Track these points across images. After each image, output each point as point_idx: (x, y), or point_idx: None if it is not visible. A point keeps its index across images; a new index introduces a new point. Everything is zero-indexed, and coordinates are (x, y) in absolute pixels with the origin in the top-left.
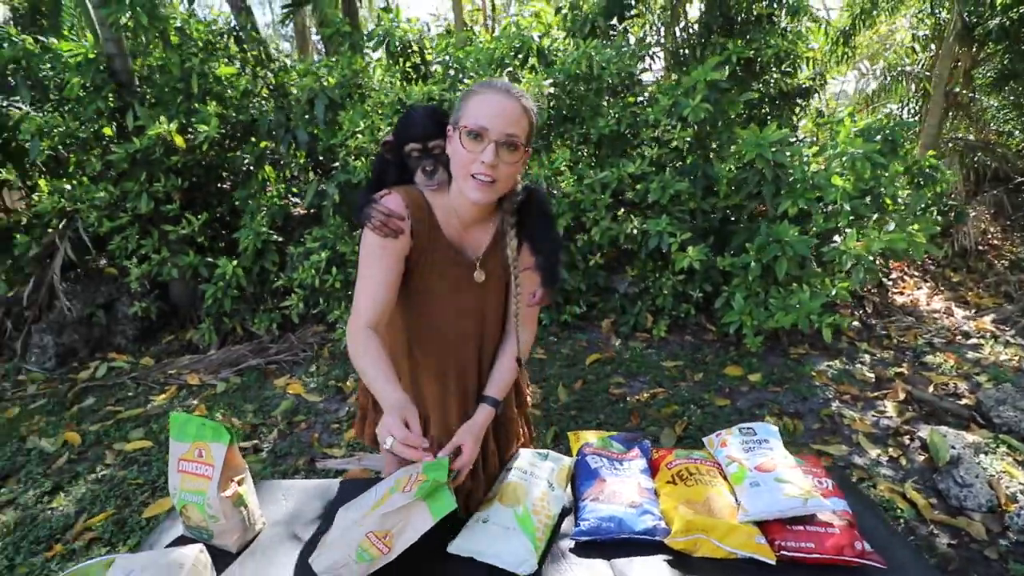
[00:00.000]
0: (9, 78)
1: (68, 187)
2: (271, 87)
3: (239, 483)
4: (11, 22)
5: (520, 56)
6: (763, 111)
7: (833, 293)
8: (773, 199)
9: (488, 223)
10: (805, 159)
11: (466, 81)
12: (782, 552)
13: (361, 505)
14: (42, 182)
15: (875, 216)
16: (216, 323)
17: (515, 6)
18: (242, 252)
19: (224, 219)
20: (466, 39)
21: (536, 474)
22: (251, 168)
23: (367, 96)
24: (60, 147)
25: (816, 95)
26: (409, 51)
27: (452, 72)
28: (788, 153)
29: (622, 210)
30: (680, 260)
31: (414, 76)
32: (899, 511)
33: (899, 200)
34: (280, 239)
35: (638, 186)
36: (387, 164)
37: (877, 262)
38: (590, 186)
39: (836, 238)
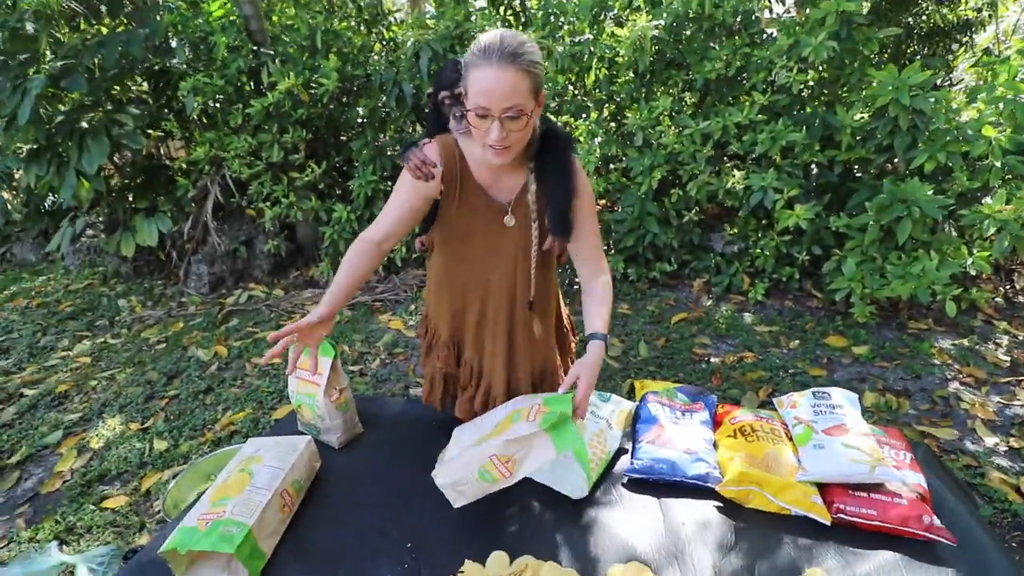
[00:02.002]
0: (171, 40)
1: (216, 138)
2: (384, 41)
3: (341, 391)
4: None
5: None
6: (910, 49)
7: (969, 263)
8: (906, 152)
9: (521, 169)
10: (953, 106)
11: (566, 27)
12: (840, 515)
13: (479, 428)
14: (196, 133)
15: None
16: (333, 262)
17: None
18: (355, 199)
19: (341, 169)
20: None
21: (597, 414)
22: (365, 121)
23: (467, 47)
24: (210, 102)
25: (982, 30)
26: None
27: (552, 18)
28: (931, 99)
29: (725, 163)
30: (784, 218)
31: (514, 24)
32: (1009, 504)
33: None
34: (389, 187)
35: (744, 137)
36: (437, 113)
37: None
38: (690, 136)
39: (987, 199)
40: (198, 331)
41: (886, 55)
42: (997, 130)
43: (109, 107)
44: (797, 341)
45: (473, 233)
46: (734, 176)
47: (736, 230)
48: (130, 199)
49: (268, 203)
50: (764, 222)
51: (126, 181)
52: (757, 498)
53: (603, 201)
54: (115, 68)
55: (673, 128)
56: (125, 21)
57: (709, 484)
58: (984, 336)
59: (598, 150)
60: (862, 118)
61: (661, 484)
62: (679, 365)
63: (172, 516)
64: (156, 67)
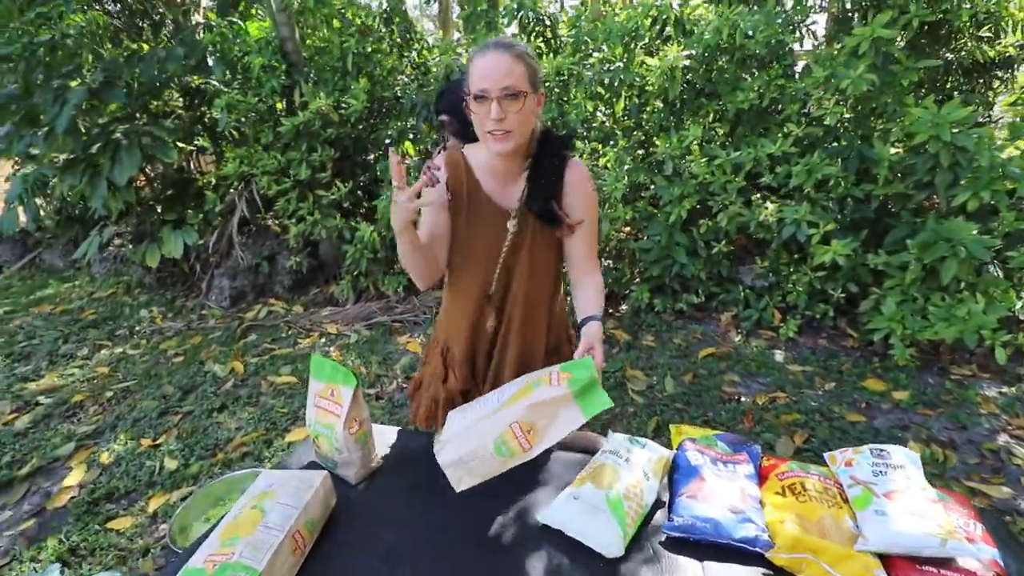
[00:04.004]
0: (208, 59)
1: (246, 154)
2: (415, 65)
3: (361, 424)
4: (212, 8)
5: (657, 26)
6: (948, 84)
7: (1018, 307)
8: (948, 190)
9: (523, 175)
10: (996, 143)
11: (595, 55)
12: None
13: (484, 404)
14: (227, 149)
15: None
16: (354, 281)
17: None
18: (379, 219)
19: (367, 188)
20: (598, 11)
21: (632, 460)
22: (393, 142)
23: None
24: (242, 119)
25: (1019, 66)
26: (542, 26)
27: (583, 46)
28: (974, 135)
29: (757, 195)
30: (821, 254)
31: (544, 51)
32: None
33: None
34: None
35: (778, 169)
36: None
37: None
38: (720, 167)
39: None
40: (216, 345)
41: (923, 89)
42: None
43: (143, 120)
44: (833, 383)
45: (481, 242)
46: (766, 208)
47: (767, 263)
48: (159, 211)
49: (293, 220)
50: (797, 256)
51: (156, 193)
52: (811, 567)
53: (628, 229)
54: (152, 83)
55: (703, 158)
56: (166, 39)
57: (758, 549)
58: None
59: (626, 177)
60: (898, 152)
61: (702, 545)
62: (707, 403)
63: (177, 542)
64: (192, 84)
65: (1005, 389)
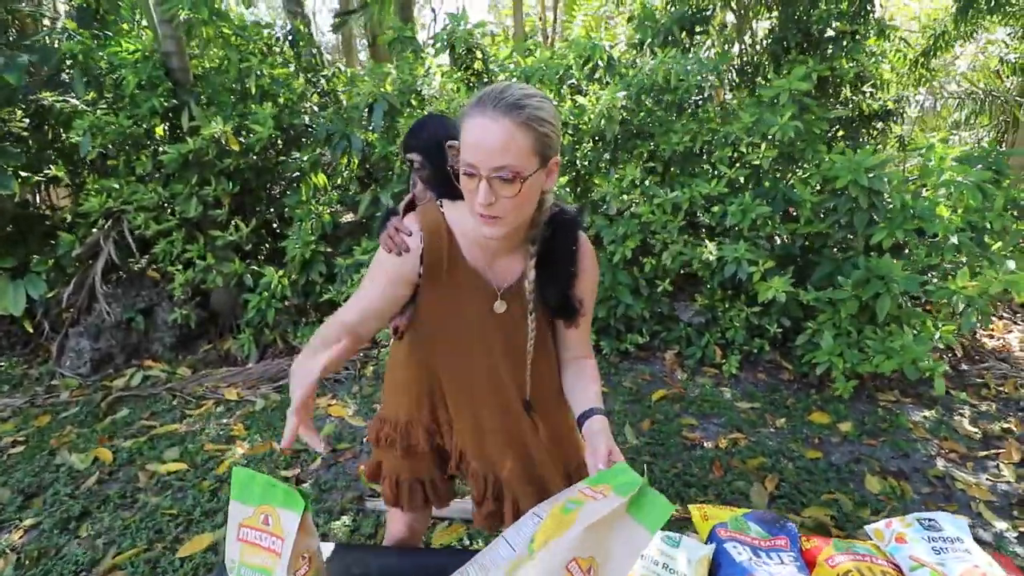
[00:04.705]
0: (65, 73)
1: (116, 187)
2: (322, 92)
3: (310, 561)
4: (71, 16)
5: (588, 66)
6: (838, 133)
7: (937, 337)
8: (865, 229)
9: (520, 252)
10: (903, 186)
11: None
12: None
13: (495, 556)
14: (90, 180)
15: (977, 252)
16: (256, 335)
17: (580, 15)
18: (288, 262)
19: (271, 226)
20: (527, 48)
21: (672, 567)
22: (302, 174)
23: (427, 103)
24: (110, 145)
25: (897, 119)
26: (473, 58)
27: (515, 80)
28: (886, 179)
29: (691, 234)
30: (763, 291)
31: (475, 85)
32: None
33: (1007, 235)
34: (328, 250)
35: (713, 208)
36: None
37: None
38: (661, 206)
39: (933, 275)
40: (72, 426)
41: (829, 136)
42: (948, 210)
43: None
44: (783, 419)
45: (456, 322)
46: (707, 247)
47: (704, 301)
48: None
49: (179, 265)
50: (731, 293)
51: None
52: None
53: None
54: None
55: (642, 198)
56: (3, 45)
57: None
58: (947, 407)
59: None
60: (818, 194)
61: None
62: (674, 453)
63: None
64: (44, 101)
65: (927, 413)
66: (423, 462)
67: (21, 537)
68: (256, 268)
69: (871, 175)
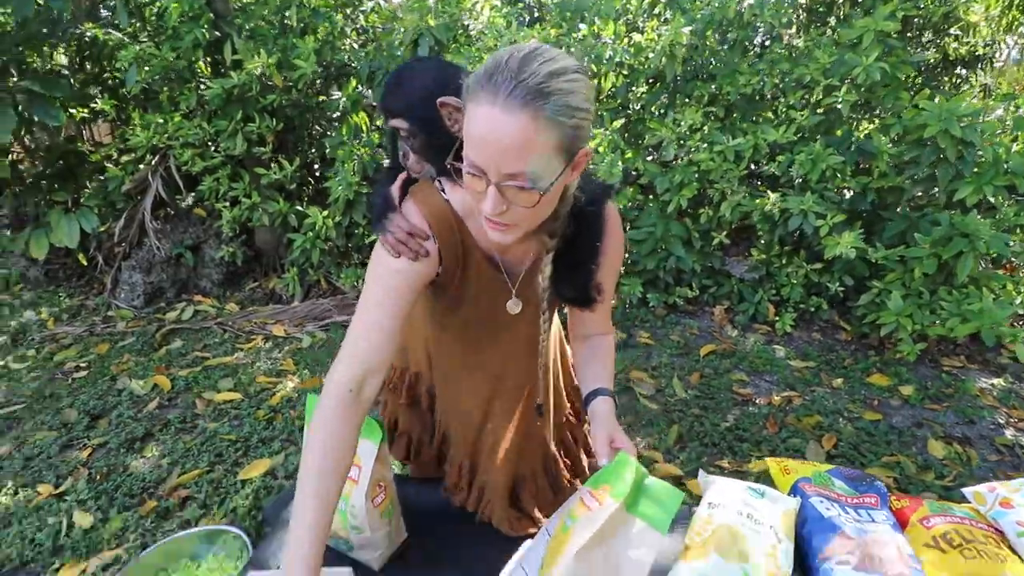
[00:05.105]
0: (104, 7)
1: (160, 121)
2: (361, 29)
3: (385, 490)
4: None
5: (648, 1)
6: (916, 80)
7: (1018, 301)
8: (949, 184)
9: (533, 238)
10: (997, 138)
11: (582, 28)
12: None
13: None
14: (136, 115)
15: None
16: (301, 274)
17: None
18: (332, 203)
19: (312, 166)
20: None
21: (757, 518)
22: (343, 113)
23: (474, 40)
24: (155, 79)
25: (985, 65)
26: None
27: (569, 14)
28: (979, 130)
29: (757, 184)
30: (831, 247)
31: (527, 17)
32: None
33: None
34: (370, 192)
35: (779, 157)
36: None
37: None
38: (721, 154)
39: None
40: (131, 355)
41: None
42: None
43: (18, 78)
44: (840, 379)
45: (472, 318)
46: (769, 199)
47: (761, 255)
48: (45, 190)
49: (225, 203)
50: (789, 248)
51: (40, 168)
52: None
53: None
54: (31, 31)
55: (702, 144)
56: None
57: None
58: (1017, 375)
59: (620, 164)
60: (897, 146)
61: None
62: (724, 407)
63: None
64: (86, 34)
65: (995, 380)
66: (419, 420)
67: (90, 455)
68: (300, 208)
69: (963, 124)
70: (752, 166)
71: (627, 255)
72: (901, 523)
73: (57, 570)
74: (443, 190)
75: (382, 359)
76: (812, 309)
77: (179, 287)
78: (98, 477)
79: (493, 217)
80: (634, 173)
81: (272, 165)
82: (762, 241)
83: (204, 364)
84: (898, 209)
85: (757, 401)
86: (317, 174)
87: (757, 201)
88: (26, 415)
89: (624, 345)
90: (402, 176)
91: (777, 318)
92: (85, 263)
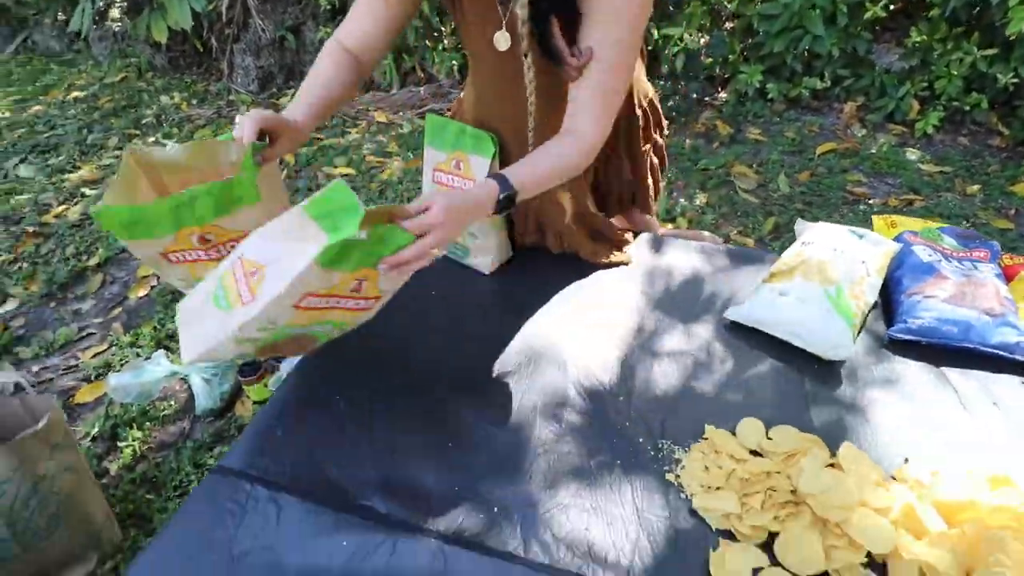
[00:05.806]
0: None
1: None
2: None
3: None
4: None
5: None
6: None
7: None
8: None
9: None
10: None
11: None
12: None
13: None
14: None
15: None
16: (396, 61)
17: None
18: None
19: None
20: None
21: (849, 253)
22: None
23: None
24: None
25: None
26: None
27: None
28: None
29: None
30: (1018, 20)
31: None
32: None
33: None
34: None
35: None
36: None
37: None
38: None
39: None
40: None
41: None
42: None
43: None
44: (977, 186)
45: (475, 52)
46: None
47: (922, 37)
48: None
49: None
50: (960, 30)
51: None
52: None
53: None
54: None
55: None
56: None
57: (1016, 356)
58: None
59: None
60: None
61: (938, 350)
62: (832, 204)
63: None
64: None
65: None
66: None
67: None
68: None
69: None
70: None
71: (751, 37)
72: (1008, 277)
73: None
74: None
75: (360, 36)
76: (967, 108)
77: (287, 72)
78: None
79: None
80: None
81: None
82: (928, 19)
83: (319, 144)
84: None
85: (871, 201)
86: None
87: None
88: None
89: (730, 141)
90: None
91: (919, 117)
92: (201, 49)
